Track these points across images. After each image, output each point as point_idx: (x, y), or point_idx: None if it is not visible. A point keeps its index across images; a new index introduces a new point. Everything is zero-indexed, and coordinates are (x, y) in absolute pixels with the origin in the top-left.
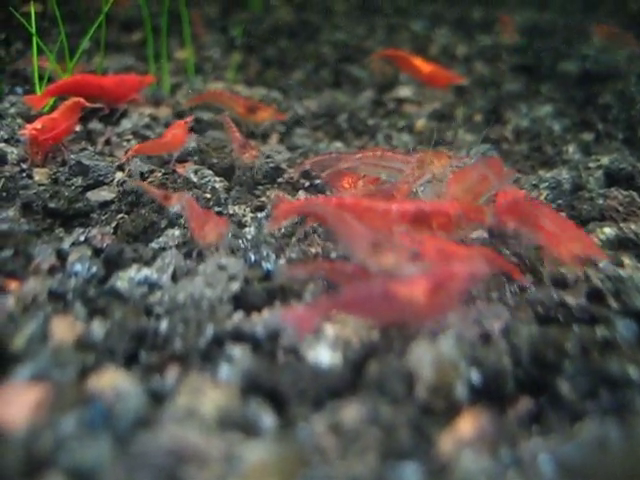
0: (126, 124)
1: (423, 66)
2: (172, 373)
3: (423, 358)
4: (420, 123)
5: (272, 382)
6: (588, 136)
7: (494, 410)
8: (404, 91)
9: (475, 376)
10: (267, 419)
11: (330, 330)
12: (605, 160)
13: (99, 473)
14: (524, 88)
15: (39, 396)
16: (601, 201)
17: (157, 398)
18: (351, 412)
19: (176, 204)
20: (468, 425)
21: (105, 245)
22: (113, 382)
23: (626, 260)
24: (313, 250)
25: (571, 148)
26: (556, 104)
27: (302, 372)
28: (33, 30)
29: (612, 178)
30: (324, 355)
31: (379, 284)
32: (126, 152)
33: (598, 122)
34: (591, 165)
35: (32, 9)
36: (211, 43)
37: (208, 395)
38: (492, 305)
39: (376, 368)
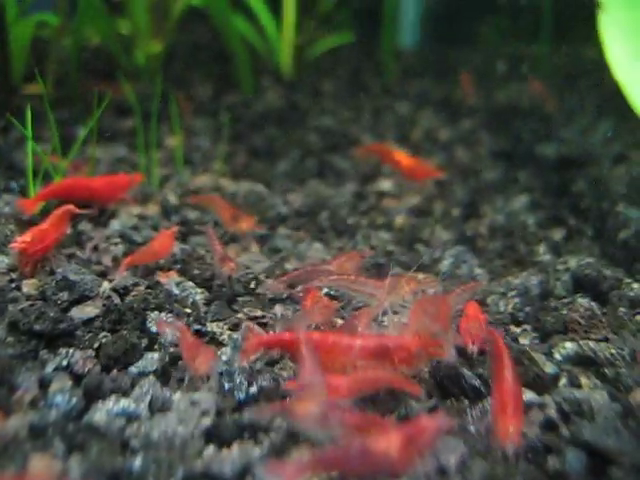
0: (114, 226)
1: (404, 160)
2: None
3: None
4: (399, 220)
5: None
6: (559, 232)
7: None
8: (385, 184)
9: None
10: None
11: None
12: (572, 263)
13: None
14: (502, 176)
15: None
16: (565, 312)
17: None
18: None
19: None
20: None
21: (86, 370)
22: None
23: (584, 379)
24: (285, 374)
25: (542, 248)
26: (532, 194)
27: None
28: (29, 128)
29: (578, 283)
30: None
31: (357, 442)
32: (118, 263)
33: (570, 216)
34: (559, 268)
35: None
36: (201, 129)
37: None
38: (450, 438)
39: None
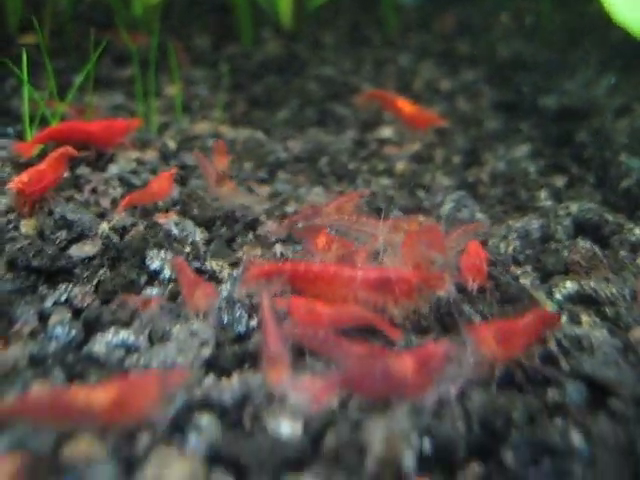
0: (113, 170)
1: (405, 107)
2: (143, 442)
3: (375, 431)
4: (400, 166)
5: (236, 453)
6: (561, 180)
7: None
8: (386, 131)
9: (426, 444)
10: None
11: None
12: (574, 208)
13: None
14: (504, 126)
15: (16, 466)
16: (566, 254)
17: (128, 467)
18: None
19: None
20: None
21: (85, 305)
22: (87, 451)
23: (584, 317)
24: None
25: (543, 194)
26: (533, 143)
27: (264, 444)
28: (24, 72)
29: (580, 227)
30: (285, 426)
31: (379, 361)
32: (117, 205)
33: (572, 164)
34: (561, 213)
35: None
36: (200, 79)
37: (175, 466)
38: (451, 369)
39: (333, 440)
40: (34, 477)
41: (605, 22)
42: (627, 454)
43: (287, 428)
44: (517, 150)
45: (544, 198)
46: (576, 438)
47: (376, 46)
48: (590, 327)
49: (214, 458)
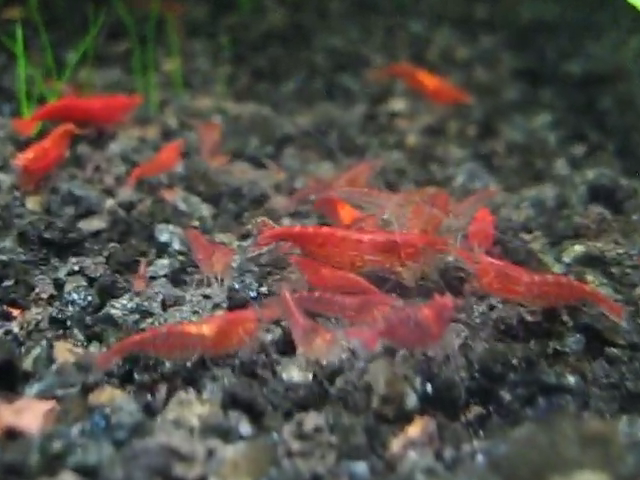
0: (114, 148)
1: (429, 82)
2: (162, 391)
3: (378, 373)
4: (411, 139)
5: (250, 397)
6: (580, 148)
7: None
8: (397, 104)
9: (429, 388)
10: (244, 428)
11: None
12: (590, 175)
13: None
14: (523, 95)
15: (48, 409)
16: (577, 219)
17: (150, 412)
18: (315, 420)
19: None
20: (416, 429)
21: (99, 274)
22: (111, 398)
23: (590, 277)
24: (293, 277)
25: (560, 162)
26: (554, 112)
27: (276, 388)
28: (19, 45)
29: (594, 193)
30: (296, 374)
31: (411, 311)
32: (121, 182)
33: (593, 132)
34: (576, 180)
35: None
36: (199, 51)
37: (193, 409)
38: (453, 324)
39: (340, 383)
40: (65, 417)
41: None
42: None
43: (297, 376)
44: (536, 120)
45: (561, 167)
46: (571, 380)
47: (386, 13)
48: (595, 286)
49: (230, 403)
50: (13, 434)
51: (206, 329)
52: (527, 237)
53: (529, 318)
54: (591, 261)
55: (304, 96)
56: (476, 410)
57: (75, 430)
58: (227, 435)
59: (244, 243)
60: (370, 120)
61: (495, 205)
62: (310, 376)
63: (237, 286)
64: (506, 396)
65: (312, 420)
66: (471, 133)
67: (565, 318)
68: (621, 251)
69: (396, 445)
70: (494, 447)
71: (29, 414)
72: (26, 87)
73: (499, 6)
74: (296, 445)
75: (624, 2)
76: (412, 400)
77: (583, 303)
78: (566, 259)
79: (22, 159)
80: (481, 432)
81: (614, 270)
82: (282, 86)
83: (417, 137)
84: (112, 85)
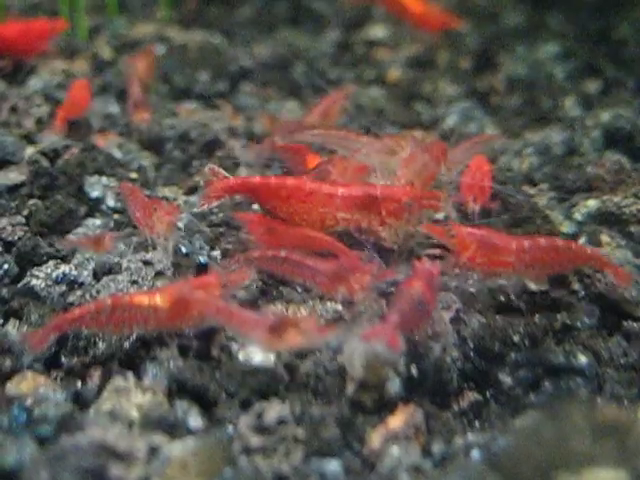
0: (35, 84)
1: (414, 6)
2: (95, 377)
3: (354, 354)
4: (394, 73)
5: (201, 383)
6: (593, 84)
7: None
8: (376, 31)
9: (414, 370)
10: (194, 420)
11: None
12: (605, 116)
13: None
14: (527, 20)
15: None
16: (590, 169)
17: (80, 402)
18: (278, 411)
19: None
20: (399, 421)
21: (17, 237)
22: (34, 387)
23: (605, 238)
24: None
25: (570, 102)
26: (563, 41)
27: (232, 372)
28: None
29: (610, 139)
30: (256, 355)
31: (415, 295)
32: (42, 126)
33: (608, 66)
34: (589, 123)
35: None
36: None
37: (132, 398)
38: (444, 294)
39: (309, 366)
40: None
41: None
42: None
43: (258, 357)
44: (542, 50)
45: (571, 107)
46: (583, 359)
47: None
48: (612, 249)
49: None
50: None
51: (160, 299)
52: (531, 190)
53: (533, 287)
54: (607, 218)
55: (264, 22)
56: (471, 397)
57: None
58: (173, 429)
59: (192, 198)
60: (344, 50)
61: (493, 152)
62: (272, 357)
63: (184, 250)
64: (506, 380)
65: (275, 410)
66: (465, 66)
67: (576, 286)
68: None
69: (375, 439)
70: (492, 440)
71: None
72: None
73: None
74: (255, 440)
75: None
76: (395, 385)
77: (596, 269)
78: (577, 216)
79: None
80: (477, 423)
81: (633, 229)
82: (238, 10)
83: (400, 70)
84: (32, 8)
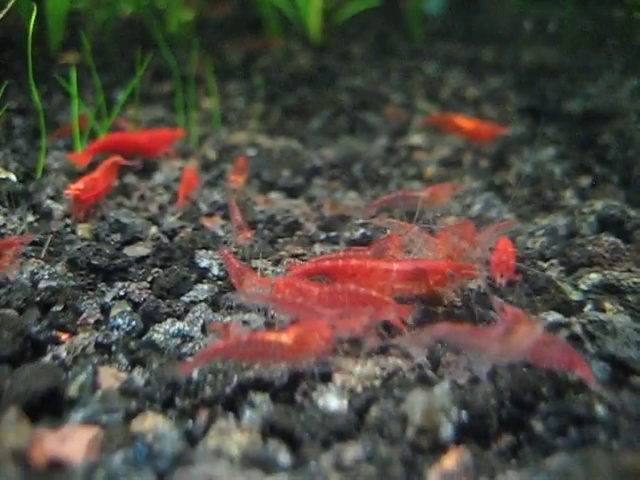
0: (158, 178)
1: (466, 124)
2: (203, 417)
3: (415, 403)
4: (429, 170)
5: (289, 425)
6: (586, 180)
7: (478, 446)
8: (415, 139)
9: (464, 416)
10: (283, 457)
11: (338, 379)
12: (598, 205)
13: None
14: (530, 131)
15: (92, 436)
16: (590, 248)
17: (190, 439)
18: (354, 451)
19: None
20: (452, 460)
21: (142, 299)
22: (153, 425)
23: (607, 305)
24: None
25: (568, 194)
26: (559, 146)
27: (314, 417)
28: (74, 87)
29: (604, 224)
30: (333, 402)
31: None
32: (164, 210)
33: (596, 165)
34: (585, 210)
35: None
36: (235, 91)
37: (233, 437)
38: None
39: (377, 412)
40: (108, 445)
41: (628, 26)
42: None
43: (334, 403)
44: (543, 153)
45: (569, 197)
46: (600, 409)
47: (403, 56)
48: (613, 314)
49: (269, 431)
50: (58, 464)
51: (285, 337)
52: (544, 265)
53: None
54: (608, 289)
55: (330, 131)
56: (507, 439)
57: (118, 459)
58: (266, 465)
59: (278, 269)
60: (391, 153)
61: (512, 234)
62: (346, 403)
63: (272, 313)
64: (537, 426)
65: (351, 450)
66: (484, 165)
67: (587, 345)
68: (636, 279)
69: (433, 476)
70: (529, 478)
71: (73, 442)
72: (79, 124)
73: (504, 50)
74: (336, 477)
75: (618, 47)
76: (448, 430)
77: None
78: (583, 287)
79: (73, 189)
80: (513, 461)
81: (630, 298)
82: (310, 122)
83: (435, 168)
84: (156, 122)
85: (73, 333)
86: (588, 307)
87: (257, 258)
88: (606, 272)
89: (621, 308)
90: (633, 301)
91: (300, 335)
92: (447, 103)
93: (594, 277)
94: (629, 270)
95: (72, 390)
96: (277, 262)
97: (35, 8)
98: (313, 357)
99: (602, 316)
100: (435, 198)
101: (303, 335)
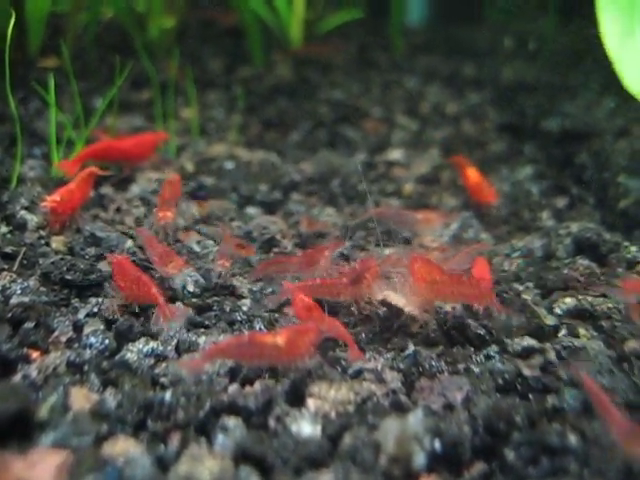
0: (134, 190)
1: (473, 176)
2: (174, 441)
3: (388, 432)
4: (408, 187)
5: (261, 452)
6: (562, 200)
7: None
8: (394, 154)
9: (437, 445)
10: None
11: (312, 404)
12: (574, 228)
13: None
14: (508, 148)
15: (61, 461)
16: (566, 271)
17: (162, 465)
18: (327, 478)
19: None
20: None
21: (116, 317)
22: (125, 449)
23: (582, 330)
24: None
25: (545, 214)
26: (536, 165)
27: (287, 443)
28: (52, 94)
29: (579, 246)
30: (306, 428)
31: None
32: (140, 223)
33: (572, 186)
34: (561, 232)
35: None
36: (214, 101)
37: (205, 463)
38: (456, 377)
39: (350, 440)
40: (78, 470)
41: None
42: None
43: (307, 429)
44: (520, 172)
45: (546, 218)
46: (572, 439)
47: (383, 69)
48: (587, 340)
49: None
50: None
51: (279, 339)
52: (520, 287)
53: (527, 372)
54: (582, 314)
55: (309, 145)
56: (479, 467)
57: None
58: None
59: (254, 288)
60: (369, 168)
61: (487, 253)
62: (319, 429)
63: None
64: (509, 455)
65: (324, 478)
66: (462, 183)
67: (560, 372)
68: (610, 305)
69: None
70: None
71: (42, 467)
72: (56, 132)
73: (484, 66)
74: None
75: (596, 66)
76: (420, 459)
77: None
78: (558, 311)
79: (50, 201)
80: None
81: (604, 324)
82: (289, 135)
83: (413, 185)
84: (135, 130)
85: (45, 351)
86: (562, 332)
87: (234, 276)
88: (581, 297)
89: (595, 334)
90: (607, 327)
91: (291, 337)
92: (426, 118)
93: (569, 302)
94: (603, 295)
95: (42, 412)
96: (254, 281)
97: (13, 13)
98: (302, 359)
99: (576, 342)
100: (427, 223)
101: (294, 338)
